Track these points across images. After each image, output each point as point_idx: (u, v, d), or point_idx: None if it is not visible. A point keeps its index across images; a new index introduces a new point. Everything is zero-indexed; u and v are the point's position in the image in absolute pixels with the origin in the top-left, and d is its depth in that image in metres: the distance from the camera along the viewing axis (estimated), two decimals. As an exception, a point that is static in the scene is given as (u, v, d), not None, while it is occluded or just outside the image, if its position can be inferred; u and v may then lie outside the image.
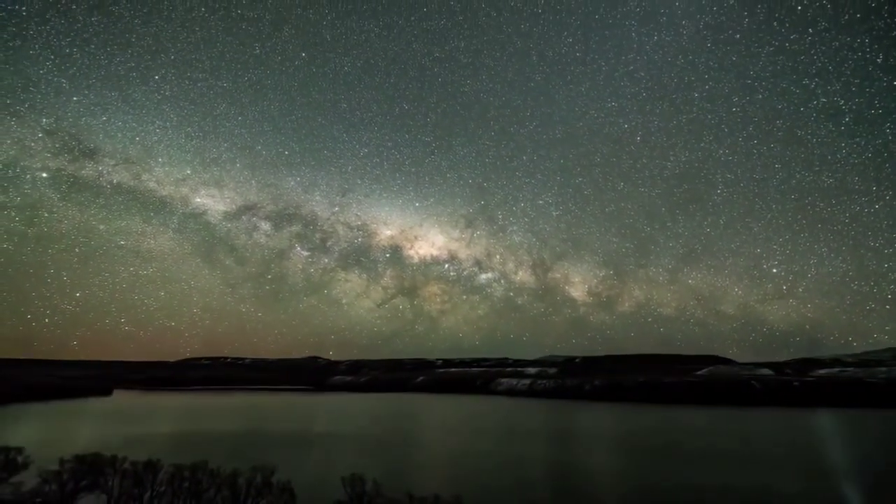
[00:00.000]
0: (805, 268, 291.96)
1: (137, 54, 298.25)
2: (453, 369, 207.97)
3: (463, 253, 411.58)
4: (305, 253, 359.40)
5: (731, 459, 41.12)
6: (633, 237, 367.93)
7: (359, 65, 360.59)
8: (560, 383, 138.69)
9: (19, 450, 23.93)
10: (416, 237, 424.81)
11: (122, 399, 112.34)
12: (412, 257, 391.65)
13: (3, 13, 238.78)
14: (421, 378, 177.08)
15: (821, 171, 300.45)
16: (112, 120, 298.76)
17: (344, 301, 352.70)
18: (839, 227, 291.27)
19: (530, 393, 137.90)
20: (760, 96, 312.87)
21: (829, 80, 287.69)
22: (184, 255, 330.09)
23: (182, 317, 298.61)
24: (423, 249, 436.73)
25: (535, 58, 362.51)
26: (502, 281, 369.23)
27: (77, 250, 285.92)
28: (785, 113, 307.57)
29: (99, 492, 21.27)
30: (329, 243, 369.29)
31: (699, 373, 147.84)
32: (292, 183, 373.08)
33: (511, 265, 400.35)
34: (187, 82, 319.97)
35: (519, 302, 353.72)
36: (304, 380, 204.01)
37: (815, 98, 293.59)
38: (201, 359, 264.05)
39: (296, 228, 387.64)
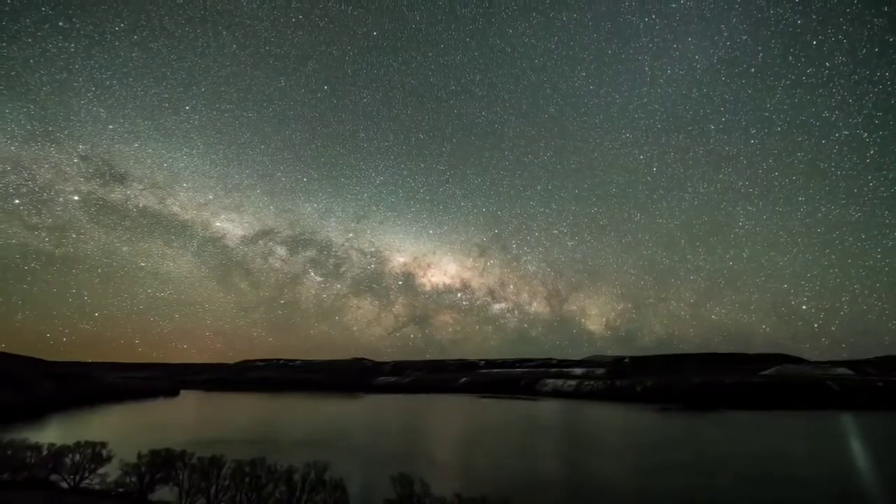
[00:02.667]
0: (837, 305, 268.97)
1: (171, 86, 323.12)
2: (496, 370, 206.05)
3: (476, 282, 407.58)
4: (319, 278, 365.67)
5: (800, 473, 37.61)
6: (651, 269, 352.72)
7: (378, 97, 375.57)
8: (609, 384, 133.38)
9: (103, 444, 26.47)
10: (428, 265, 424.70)
11: (187, 400, 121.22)
12: (424, 285, 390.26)
13: (55, 49, 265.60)
14: (464, 379, 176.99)
15: (847, 204, 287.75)
16: (143, 147, 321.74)
17: (355, 328, 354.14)
18: (871, 262, 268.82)
19: (577, 394, 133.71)
20: (779, 128, 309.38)
21: (850, 113, 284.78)
22: (201, 278, 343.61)
23: (194, 339, 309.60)
24: (436, 277, 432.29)
25: (548, 90, 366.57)
26: (516, 311, 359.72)
27: (100, 271, 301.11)
28: (806, 145, 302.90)
29: (172, 484, 23.06)
30: (342, 269, 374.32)
31: (765, 373, 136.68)
32: (309, 209, 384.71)
33: (525, 295, 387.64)
34: (215, 112, 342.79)
35: (533, 334, 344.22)
36: (351, 381, 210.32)
37: (836, 131, 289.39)
38: (256, 360, 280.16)
39: (310, 254, 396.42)
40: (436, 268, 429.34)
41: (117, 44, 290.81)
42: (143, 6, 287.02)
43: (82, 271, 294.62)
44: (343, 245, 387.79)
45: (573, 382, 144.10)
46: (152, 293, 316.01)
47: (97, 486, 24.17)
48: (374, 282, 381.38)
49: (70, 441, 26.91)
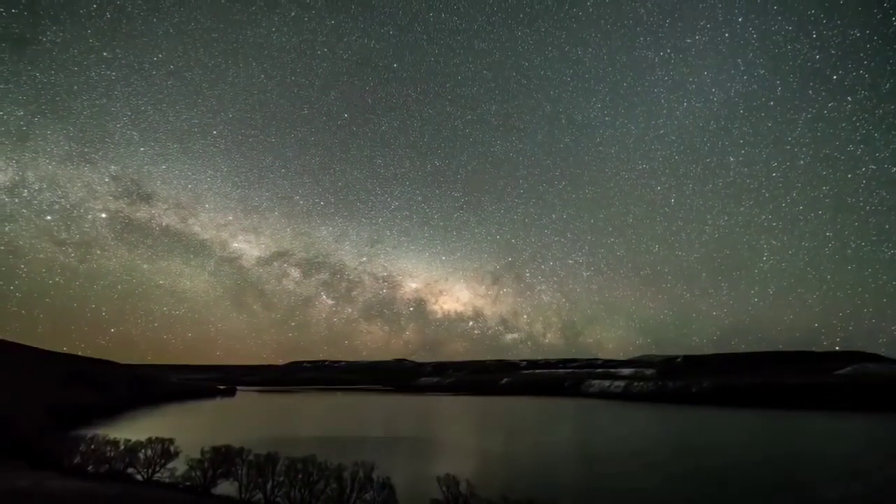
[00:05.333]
0: (874, 347, 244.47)
1: (201, 112, 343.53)
2: (539, 371, 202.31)
3: (488, 310, 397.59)
4: (330, 301, 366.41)
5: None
6: (672, 304, 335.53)
7: (395, 125, 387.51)
8: (660, 385, 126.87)
9: (171, 441, 28.51)
10: (440, 291, 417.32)
11: (244, 399, 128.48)
12: (436, 312, 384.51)
13: (97, 76, 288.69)
14: (506, 380, 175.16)
15: (879, 241, 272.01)
16: (170, 168, 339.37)
17: (364, 353, 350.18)
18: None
19: (625, 395, 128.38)
20: (802, 162, 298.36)
21: (876, 147, 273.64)
22: (215, 298, 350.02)
23: (203, 359, 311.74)
24: (448, 304, 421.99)
25: (563, 121, 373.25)
26: (529, 342, 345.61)
27: (119, 287, 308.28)
28: (831, 179, 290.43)
29: (232, 479, 24.41)
30: (354, 293, 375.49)
31: (839, 372, 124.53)
32: (325, 232, 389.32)
33: (539, 326, 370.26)
34: (240, 137, 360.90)
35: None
36: (393, 381, 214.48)
37: (862, 165, 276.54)
38: (303, 362, 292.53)
39: (323, 276, 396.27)
40: (448, 294, 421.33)
41: (154, 73, 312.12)
42: (181, 39, 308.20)
43: (103, 287, 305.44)
44: (356, 269, 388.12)
45: (621, 383, 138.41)
46: (168, 311, 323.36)
47: (167, 480, 26.02)
48: (385, 307, 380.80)
49: (142, 437, 29.22)
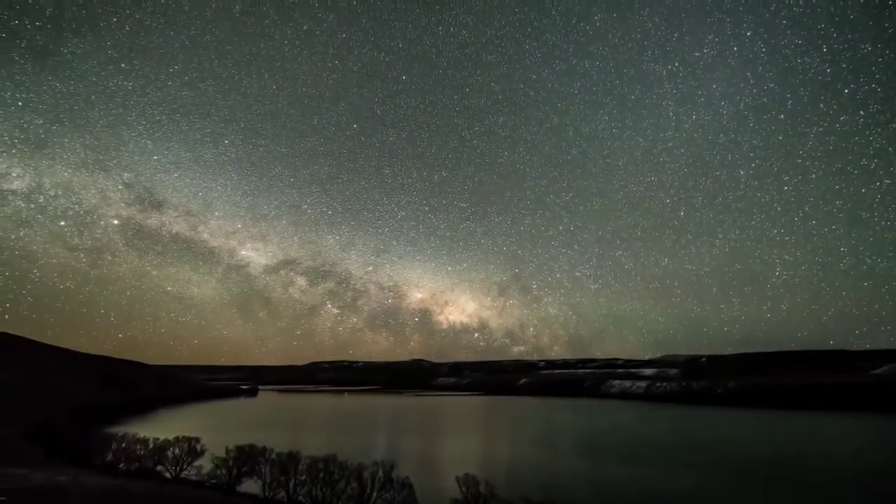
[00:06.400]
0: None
1: (214, 122, 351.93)
2: (557, 371, 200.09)
3: (494, 322, 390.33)
4: (336, 310, 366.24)
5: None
6: (681, 318, 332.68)
7: (403, 136, 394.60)
8: (684, 386, 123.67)
9: (197, 439, 29.32)
10: (446, 302, 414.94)
11: (266, 399, 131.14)
12: (441, 323, 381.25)
13: (114, 87, 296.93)
14: (524, 380, 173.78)
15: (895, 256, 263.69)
16: (182, 176, 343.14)
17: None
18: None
19: (647, 397, 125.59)
20: (814, 176, 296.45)
21: (890, 161, 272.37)
22: (222, 305, 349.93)
23: (208, 365, 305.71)
24: (453, 315, 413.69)
25: (571, 133, 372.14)
26: (535, 355, 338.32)
27: (128, 293, 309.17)
28: (844, 193, 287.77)
29: (255, 477, 24.95)
30: (360, 302, 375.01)
31: (875, 372, 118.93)
32: (331, 241, 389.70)
33: (546, 339, 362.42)
34: (251, 147, 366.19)
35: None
36: (410, 381, 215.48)
37: (877, 179, 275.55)
38: (322, 362, 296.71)
39: (329, 285, 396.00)
40: (453, 305, 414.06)
41: (170, 83, 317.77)
42: (196, 51, 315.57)
43: (112, 293, 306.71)
44: (362, 278, 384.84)
45: (643, 384, 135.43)
46: (175, 317, 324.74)
47: (194, 477, 26.75)
48: (390, 317, 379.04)
49: (170, 436, 30.13)
